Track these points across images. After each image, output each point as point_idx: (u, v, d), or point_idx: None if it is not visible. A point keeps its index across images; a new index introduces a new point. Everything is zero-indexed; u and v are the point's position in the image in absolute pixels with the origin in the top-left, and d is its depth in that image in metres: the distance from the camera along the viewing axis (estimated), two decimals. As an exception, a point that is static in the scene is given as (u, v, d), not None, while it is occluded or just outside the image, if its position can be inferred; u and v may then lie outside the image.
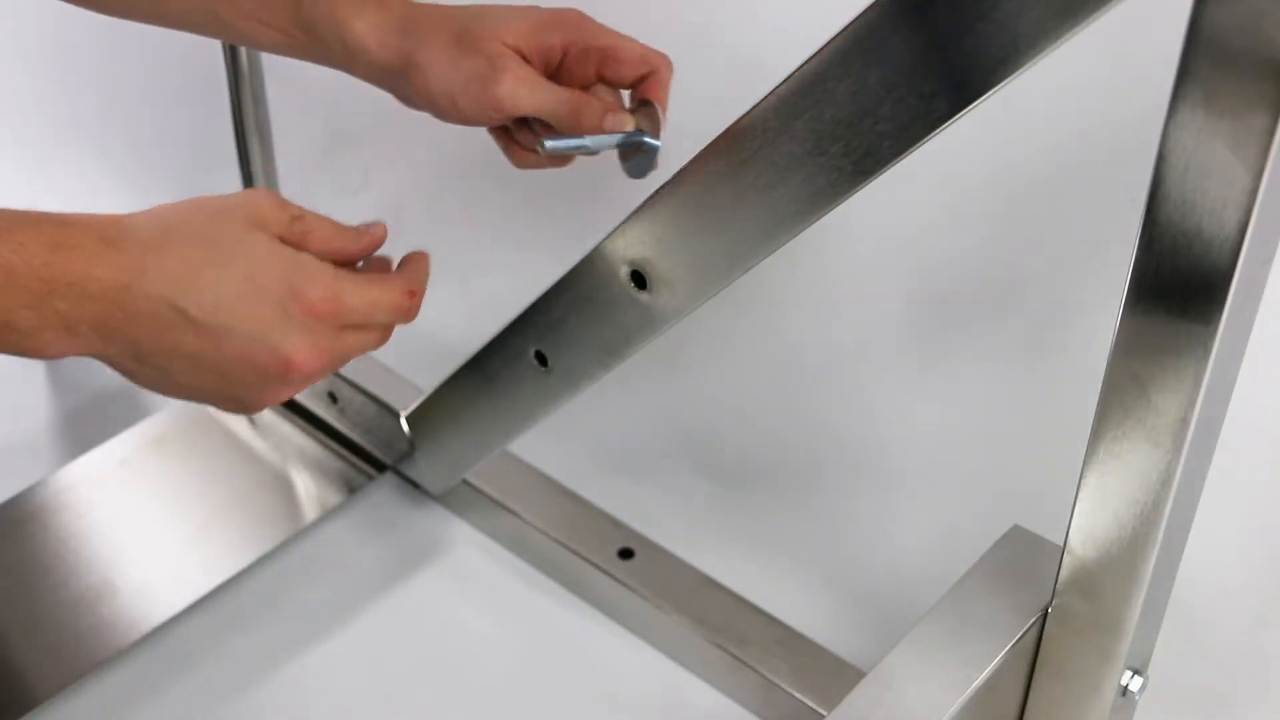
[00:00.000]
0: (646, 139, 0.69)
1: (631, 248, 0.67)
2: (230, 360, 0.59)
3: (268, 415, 1.04)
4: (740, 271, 0.64)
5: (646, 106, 0.70)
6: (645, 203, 0.65)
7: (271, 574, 0.93)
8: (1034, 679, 0.68)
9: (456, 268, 1.08)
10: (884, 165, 0.55)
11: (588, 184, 0.83)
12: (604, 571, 0.89)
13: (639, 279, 0.68)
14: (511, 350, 0.79)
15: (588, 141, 0.68)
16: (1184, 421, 0.52)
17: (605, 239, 0.68)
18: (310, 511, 0.97)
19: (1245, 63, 0.42)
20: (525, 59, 0.69)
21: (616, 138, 0.69)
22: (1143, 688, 0.64)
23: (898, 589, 0.89)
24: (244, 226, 0.60)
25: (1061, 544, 0.61)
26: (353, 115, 1.10)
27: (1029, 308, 0.80)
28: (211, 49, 0.90)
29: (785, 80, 0.56)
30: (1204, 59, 0.43)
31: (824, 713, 0.80)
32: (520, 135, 0.72)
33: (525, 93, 0.68)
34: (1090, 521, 0.59)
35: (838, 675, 0.83)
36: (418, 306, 0.66)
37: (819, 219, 0.59)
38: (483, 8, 0.71)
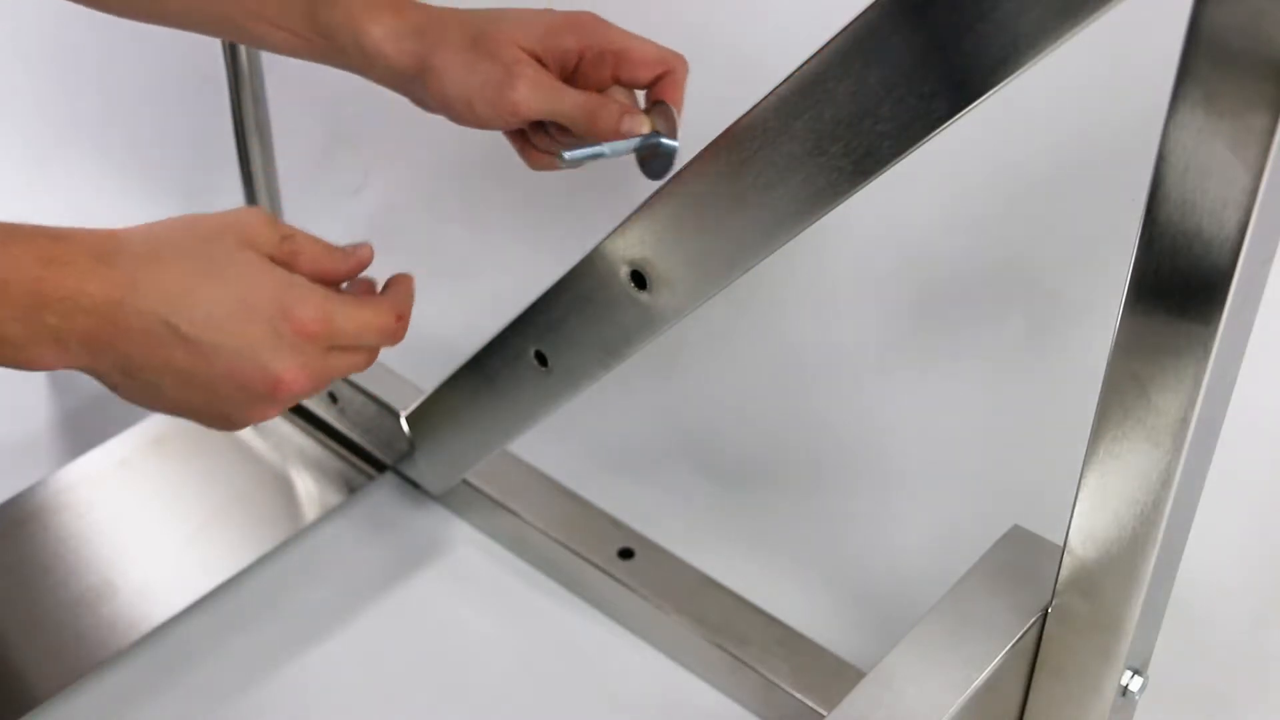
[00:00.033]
0: (663, 140, 0.69)
1: (631, 248, 0.67)
2: (219, 377, 0.60)
3: (268, 415, 1.04)
4: (740, 271, 0.64)
5: (661, 107, 0.70)
6: (645, 203, 0.65)
7: (271, 574, 0.93)
8: (1034, 679, 0.68)
9: (456, 268, 1.08)
10: (884, 165, 0.55)
11: (588, 184, 0.84)
12: (604, 571, 0.89)
13: (639, 279, 0.68)
14: (511, 350, 0.79)
15: (605, 149, 0.68)
16: (1184, 421, 0.52)
17: (605, 239, 0.68)
18: (310, 511, 0.97)
19: (1245, 63, 0.42)
20: (541, 63, 0.70)
21: (634, 142, 0.69)
22: (1143, 688, 0.64)
23: (898, 589, 0.89)
24: (236, 245, 0.61)
25: (1061, 544, 0.61)
26: (353, 115, 1.10)
27: (1029, 308, 0.80)
28: (212, 49, 0.90)
29: (785, 80, 0.56)
30: (1204, 59, 0.43)
31: (824, 713, 0.80)
32: (536, 139, 0.73)
33: (541, 97, 0.69)
34: (1090, 521, 0.59)
35: (838, 675, 0.83)
36: (405, 329, 0.67)
37: (819, 219, 0.59)
38: (497, 12, 0.71)
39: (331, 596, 0.93)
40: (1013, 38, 0.48)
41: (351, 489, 0.99)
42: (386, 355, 1.00)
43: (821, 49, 0.54)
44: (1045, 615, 0.65)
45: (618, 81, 0.70)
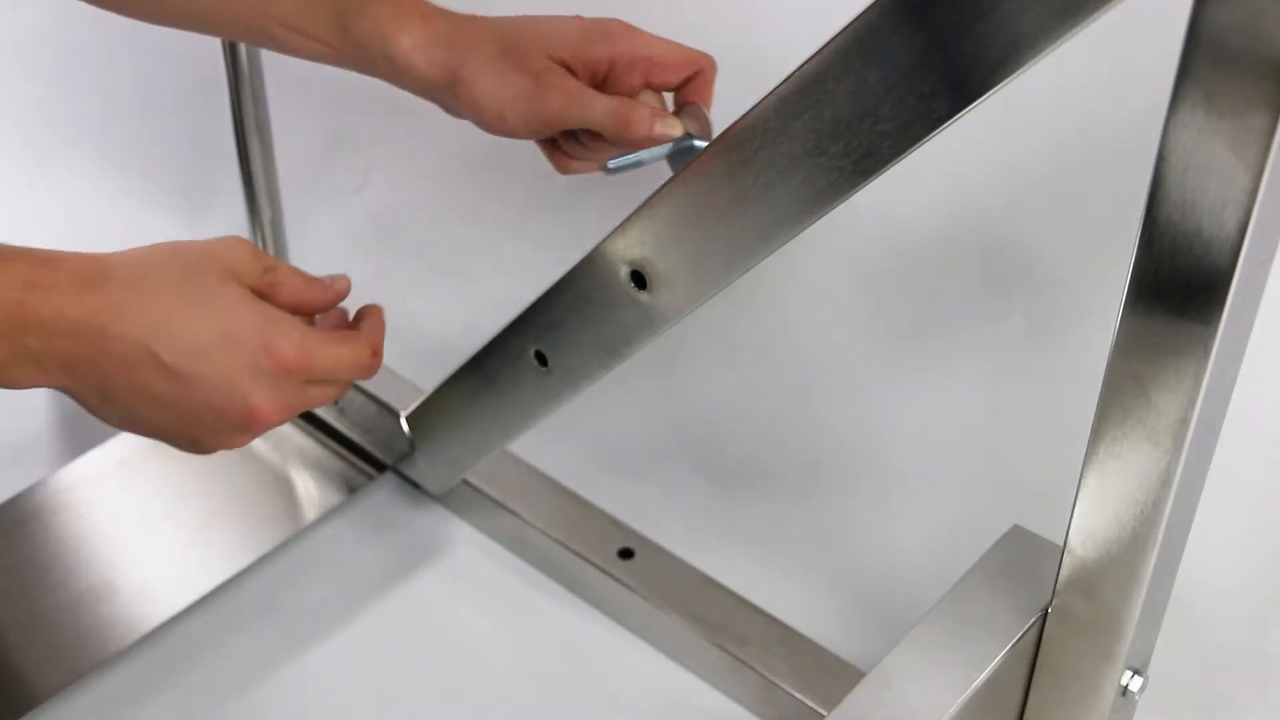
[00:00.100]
0: (696, 142, 0.69)
1: (631, 248, 0.67)
2: (196, 406, 0.61)
3: (268, 415, 1.04)
4: (740, 271, 0.64)
5: (692, 107, 0.71)
6: (645, 203, 0.66)
7: (271, 574, 0.93)
8: (1034, 679, 0.68)
9: (456, 268, 1.08)
10: (884, 165, 0.55)
11: (588, 184, 0.83)
12: (604, 571, 0.89)
13: (639, 279, 0.68)
14: (511, 350, 0.79)
15: (644, 155, 0.69)
16: (1184, 421, 0.52)
17: (605, 239, 0.68)
18: (310, 511, 0.97)
19: (1245, 63, 0.42)
20: (571, 71, 0.70)
21: (667, 147, 0.69)
22: (1143, 688, 0.64)
23: (898, 589, 0.89)
24: (221, 277, 0.62)
25: (1061, 544, 0.61)
26: (353, 115, 1.10)
27: (1029, 308, 0.80)
28: (212, 49, 0.90)
29: (785, 80, 0.56)
30: (1204, 59, 0.43)
31: (824, 713, 0.80)
32: (566, 146, 0.73)
33: (572, 106, 0.69)
34: (1090, 521, 0.59)
35: (838, 675, 0.83)
36: (379, 364, 0.69)
37: (819, 219, 0.59)
38: (526, 20, 0.71)
39: (331, 596, 0.93)
40: (1013, 38, 0.48)
41: (351, 489, 0.99)
42: (387, 355, 1.00)
43: (821, 49, 0.54)
44: (1045, 615, 0.65)
45: (648, 86, 0.71)
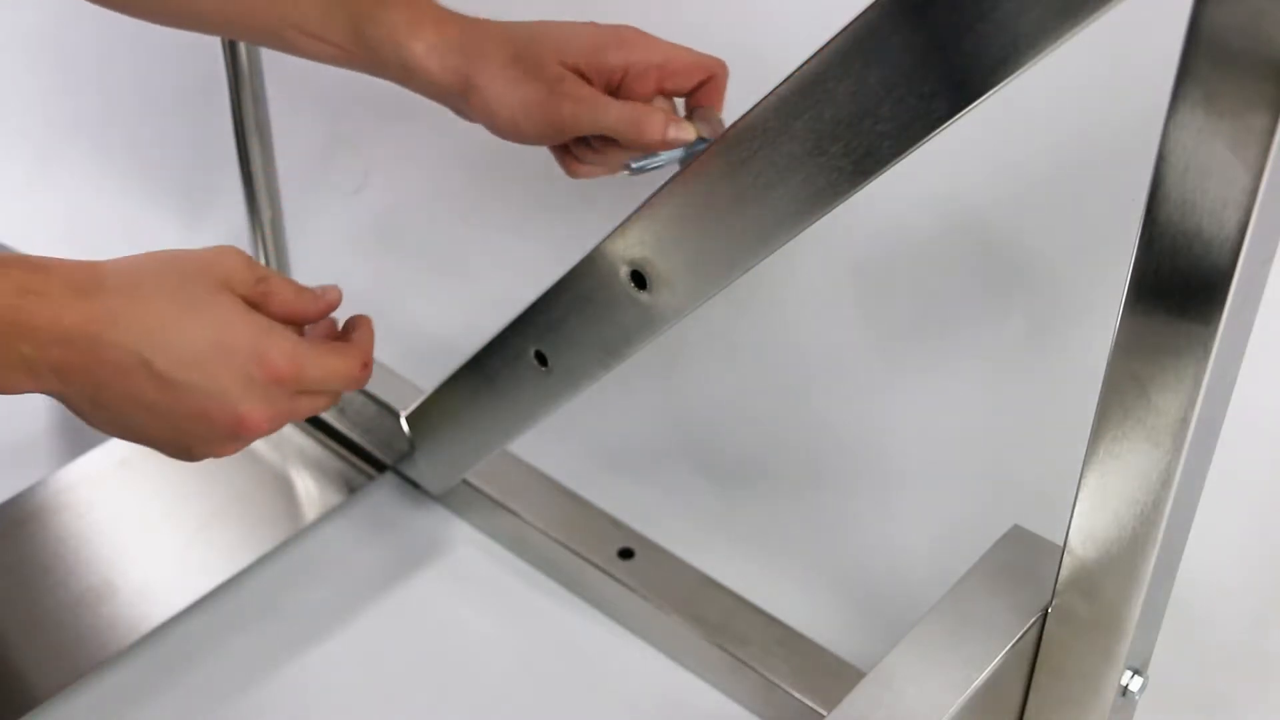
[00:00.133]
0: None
1: (631, 248, 0.67)
2: (187, 414, 0.62)
3: (268, 415, 1.04)
4: (740, 271, 0.64)
5: (704, 110, 0.71)
6: (645, 203, 0.66)
7: (271, 574, 0.93)
8: (1034, 679, 0.68)
9: (456, 268, 1.08)
10: (884, 165, 0.55)
11: (588, 184, 0.83)
12: (604, 571, 0.89)
13: (639, 279, 0.68)
14: (511, 350, 0.79)
15: (663, 158, 0.69)
16: (1184, 421, 0.52)
17: (605, 239, 0.68)
18: (310, 511, 0.97)
19: (1245, 63, 0.42)
20: (585, 78, 0.70)
21: (680, 151, 0.69)
22: (1143, 688, 0.64)
23: (898, 589, 0.89)
24: (214, 287, 0.62)
25: (1061, 544, 0.61)
26: (353, 115, 1.10)
27: (1029, 308, 0.80)
28: (212, 49, 0.90)
29: (785, 80, 0.56)
30: (1204, 59, 0.43)
31: (824, 713, 0.80)
32: (578, 151, 0.73)
33: (586, 113, 0.69)
34: (1090, 521, 0.59)
35: (838, 675, 0.83)
36: (369, 375, 0.69)
37: (819, 219, 0.59)
38: (540, 26, 0.72)
39: (331, 596, 0.93)
40: (1013, 38, 0.48)
41: (351, 489, 0.99)
42: (386, 355, 1.00)
43: (821, 49, 0.54)
44: (1045, 615, 0.65)
45: (661, 92, 0.71)
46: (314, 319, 0.69)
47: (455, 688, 0.87)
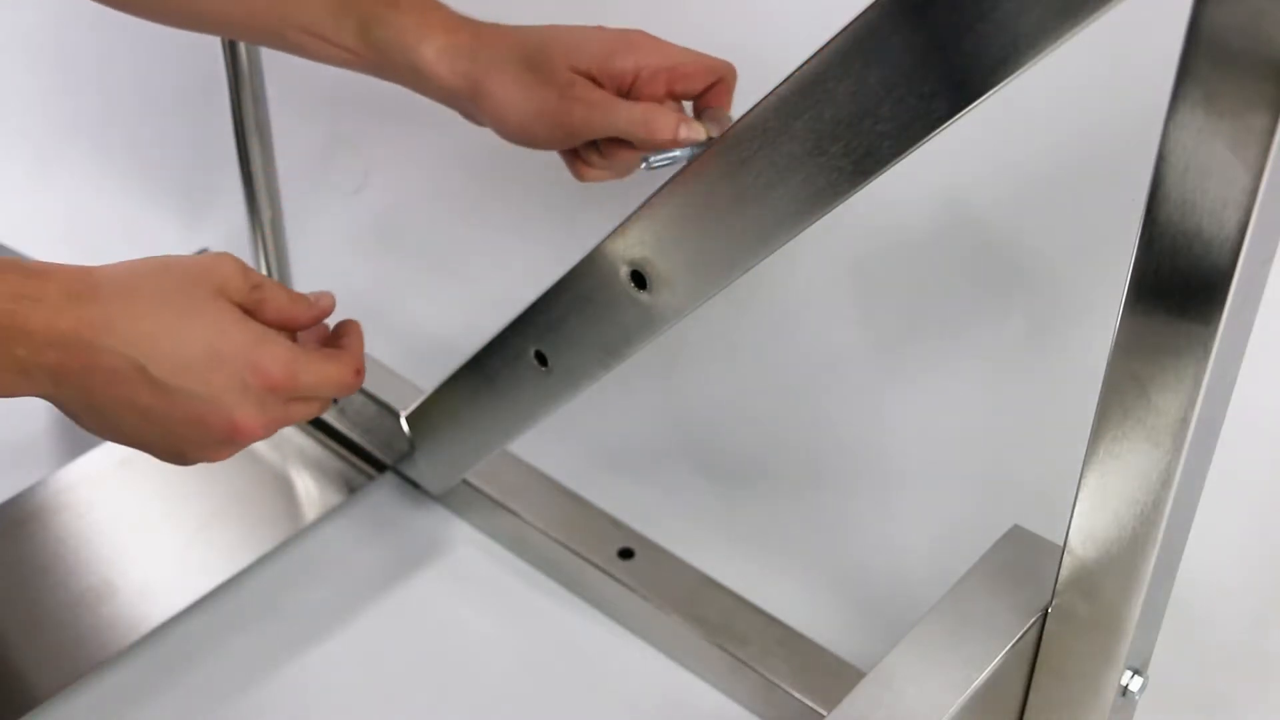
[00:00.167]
0: None
1: (631, 248, 0.67)
2: (181, 420, 0.62)
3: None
4: (740, 271, 0.64)
5: (713, 111, 0.71)
6: (645, 203, 0.66)
7: (271, 574, 0.93)
8: (1034, 679, 0.68)
9: (456, 268, 1.08)
10: (884, 165, 0.55)
11: (588, 184, 0.83)
12: (604, 571, 0.89)
13: (639, 279, 0.68)
14: (511, 350, 0.79)
15: (679, 154, 0.69)
16: (1184, 421, 0.52)
17: (605, 239, 0.68)
18: (310, 511, 0.97)
19: (1245, 63, 0.42)
20: (596, 82, 0.71)
21: (690, 150, 0.69)
22: (1143, 688, 0.64)
23: (898, 589, 0.89)
24: (210, 293, 0.63)
25: (1061, 544, 0.61)
26: (353, 115, 1.10)
27: (1029, 308, 0.80)
28: (212, 49, 0.90)
29: (785, 80, 0.56)
30: (1204, 59, 0.43)
31: (824, 713, 0.80)
32: (587, 154, 0.74)
33: (598, 116, 0.70)
34: (1090, 521, 0.59)
35: (838, 675, 0.83)
36: (361, 381, 0.69)
37: (819, 219, 0.59)
38: (550, 31, 0.72)
39: (331, 596, 0.93)
40: (1013, 38, 0.48)
41: (351, 489, 0.99)
42: (386, 355, 1.00)
43: (821, 49, 0.54)
44: (1045, 615, 0.65)
45: (671, 95, 0.72)
46: (307, 325, 0.69)
47: (455, 688, 0.87)
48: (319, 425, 1.03)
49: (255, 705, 0.85)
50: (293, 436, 1.03)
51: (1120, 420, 0.54)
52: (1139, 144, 0.50)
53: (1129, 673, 0.64)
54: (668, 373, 0.97)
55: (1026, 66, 0.48)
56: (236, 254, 0.66)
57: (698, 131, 0.69)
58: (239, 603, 0.91)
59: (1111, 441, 0.55)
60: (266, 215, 0.98)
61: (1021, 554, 0.69)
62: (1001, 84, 0.50)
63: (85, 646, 0.86)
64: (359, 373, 0.69)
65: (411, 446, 0.95)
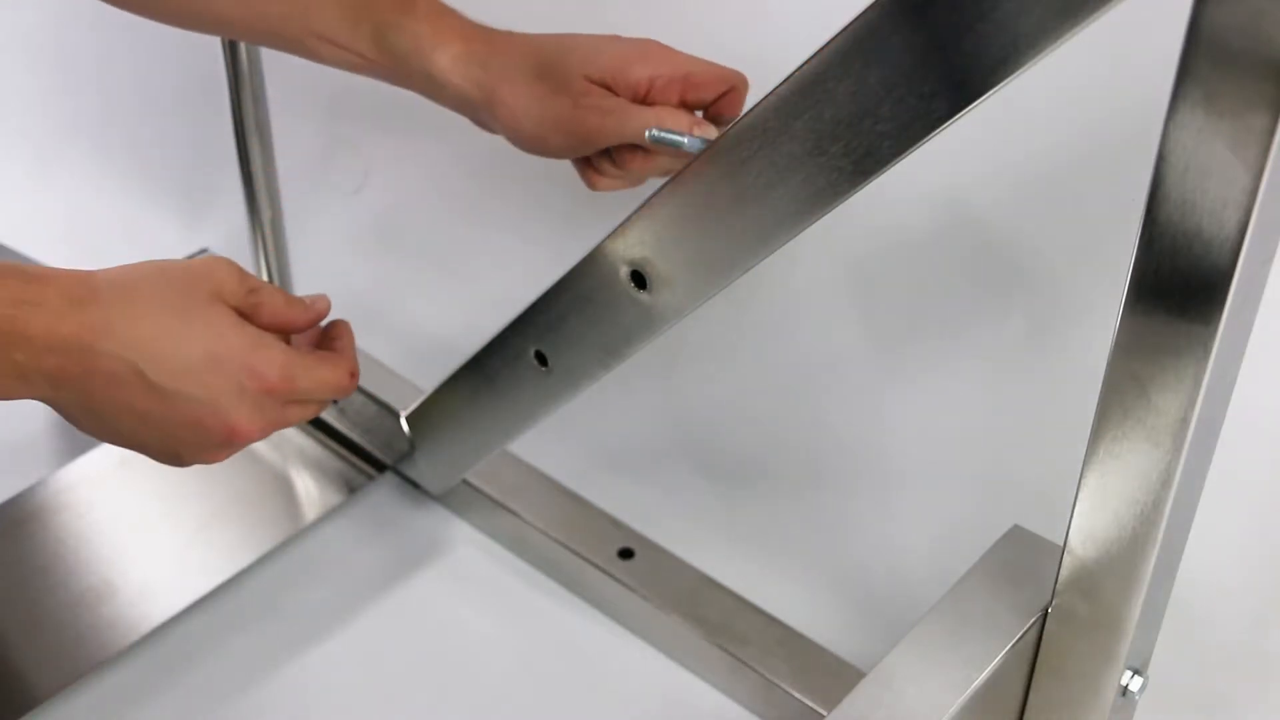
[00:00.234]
0: None
1: (631, 248, 0.67)
2: (180, 423, 0.63)
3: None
4: (740, 271, 0.64)
5: (725, 118, 0.72)
6: (645, 203, 0.66)
7: (271, 574, 0.93)
8: (1034, 679, 0.68)
9: (456, 268, 1.08)
10: (884, 165, 0.55)
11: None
12: (604, 571, 0.89)
13: (639, 279, 0.68)
14: (511, 350, 0.79)
15: (685, 140, 0.69)
16: (1184, 421, 0.52)
17: (605, 239, 0.68)
18: (310, 511, 0.97)
19: (1245, 63, 0.42)
20: (610, 90, 0.71)
21: (701, 143, 0.70)
22: (1143, 688, 0.64)
23: (898, 589, 0.89)
24: (207, 298, 0.63)
25: (1061, 544, 0.61)
26: (353, 115, 1.10)
27: (1029, 308, 0.80)
28: (212, 49, 0.90)
29: (785, 80, 0.56)
30: (1204, 59, 0.43)
31: (824, 713, 0.80)
32: (599, 163, 0.74)
33: (612, 125, 0.71)
34: (1090, 521, 0.59)
35: (838, 675, 0.83)
36: (356, 384, 0.71)
37: (819, 219, 0.59)
38: (564, 40, 0.72)
39: (331, 596, 0.93)
40: (1013, 38, 0.48)
41: (351, 489, 0.99)
42: (386, 355, 1.00)
43: (821, 49, 0.54)
44: (1045, 615, 0.65)
45: (684, 104, 0.72)
46: (303, 329, 0.70)
47: (455, 688, 0.87)
48: (319, 425, 1.03)
49: (255, 705, 0.85)
50: (293, 437, 1.03)
51: (1120, 420, 0.54)
52: (1139, 144, 0.50)
53: (1129, 673, 0.64)
54: (668, 373, 0.97)
55: (1026, 66, 0.48)
56: (236, 254, 0.66)
57: (710, 131, 0.70)
58: (239, 603, 0.91)
59: (1111, 441, 0.55)
60: (266, 215, 0.98)
61: (1021, 554, 0.69)
62: (1001, 84, 0.50)
63: (85, 646, 0.86)
64: (354, 375, 0.70)
65: (411, 446, 0.95)
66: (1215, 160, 0.45)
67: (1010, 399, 0.83)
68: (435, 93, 0.74)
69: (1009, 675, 0.66)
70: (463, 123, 0.77)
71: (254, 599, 0.92)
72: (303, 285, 1.00)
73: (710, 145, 0.62)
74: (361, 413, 0.99)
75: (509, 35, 0.73)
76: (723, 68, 0.73)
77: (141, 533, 0.95)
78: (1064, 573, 0.62)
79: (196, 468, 0.66)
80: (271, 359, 0.64)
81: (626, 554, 0.90)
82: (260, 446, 1.01)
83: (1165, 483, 0.55)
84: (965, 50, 0.49)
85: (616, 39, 0.72)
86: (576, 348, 0.75)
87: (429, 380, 0.90)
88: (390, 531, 0.97)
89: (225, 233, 1.16)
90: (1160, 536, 0.57)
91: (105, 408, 0.61)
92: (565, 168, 0.77)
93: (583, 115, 0.70)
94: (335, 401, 0.96)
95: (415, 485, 0.99)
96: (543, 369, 0.78)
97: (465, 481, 0.95)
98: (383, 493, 1.00)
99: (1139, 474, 0.55)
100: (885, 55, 0.52)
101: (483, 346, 0.81)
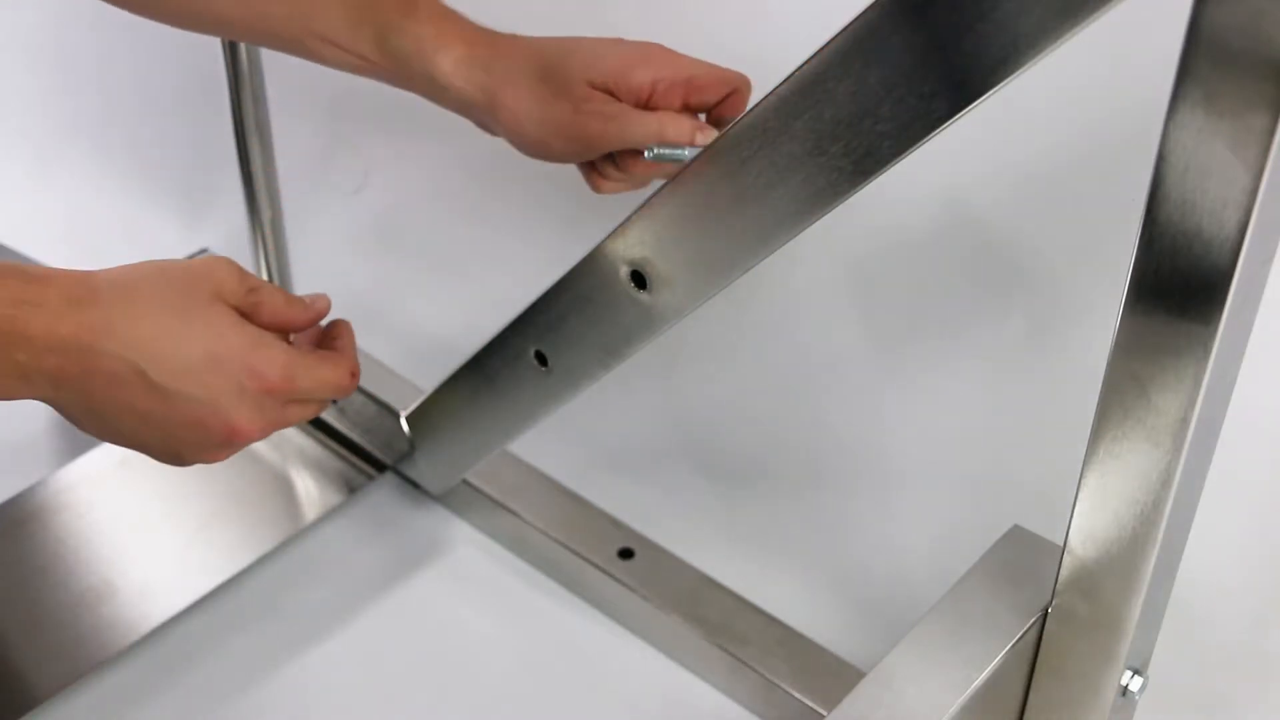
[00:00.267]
0: None
1: (631, 248, 0.67)
2: (181, 423, 0.63)
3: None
4: (740, 271, 0.64)
5: (727, 121, 0.72)
6: (645, 203, 0.66)
7: (271, 574, 0.93)
8: (1034, 679, 0.68)
9: (457, 267, 1.08)
10: (884, 165, 0.55)
11: (587, 184, 0.84)
12: (604, 571, 0.89)
13: (639, 279, 0.68)
14: (511, 350, 0.79)
15: (685, 153, 0.70)
16: (1184, 421, 0.52)
17: (605, 239, 0.68)
18: (310, 511, 0.97)
19: (1245, 63, 0.42)
20: (612, 95, 0.71)
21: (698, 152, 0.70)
22: (1143, 688, 0.64)
23: (898, 589, 0.89)
24: (208, 298, 0.63)
25: (1061, 544, 0.61)
26: (353, 115, 1.10)
27: (1029, 308, 0.80)
28: (212, 49, 0.90)
29: (785, 80, 0.56)
30: (1204, 59, 0.43)
31: (824, 713, 0.80)
32: (603, 167, 0.75)
33: (614, 130, 0.71)
34: (1090, 521, 0.59)
35: (838, 675, 0.83)
36: (356, 383, 0.70)
37: (819, 219, 0.59)
38: (568, 44, 0.72)
39: (331, 596, 0.93)
40: (1013, 38, 0.48)
41: (351, 489, 0.99)
42: (386, 355, 1.00)
43: (821, 49, 0.54)
44: (1045, 615, 0.65)
45: (687, 107, 0.72)
46: (304, 328, 0.70)
47: (455, 688, 0.87)
48: (319, 425, 1.03)
49: (255, 705, 0.85)
50: (293, 436, 1.03)
51: (1120, 420, 0.54)
52: (1139, 144, 0.50)
53: (1129, 673, 0.64)
54: (668, 373, 0.97)
55: (1026, 66, 0.48)
56: (236, 254, 0.66)
57: (712, 135, 0.70)
58: (239, 603, 0.91)
59: (1111, 441, 0.55)
60: (266, 215, 0.98)
61: (1021, 554, 0.69)
62: (1001, 84, 0.50)
63: (85, 646, 0.86)
64: (354, 374, 0.70)
65: (411, 446, 0.95)
66: (1215, 160, 0.45)
67: (1010, 399, 0.83)
68: (437, 95, 0.74)
69: (1009, 675, 0.66)
70: (463, 123, 0.77)
71: (254, 599, 0.92)
72: (303, 285, 1.00)
73: (710, 145, 0.62)
74: (361, 413, 0.99)
75: (512, 38, 0.73)
76: (725, 70, 0.73)
77: (141, 533, 0.95)
78: (1064, 573, 0.62)
79: (196, 468, 0.66)
80: (272, 358, 0.64)
81: (626, 554, 0.90)
82: (260, 446, 1.01)
83: (1165, 483, 0.55)
84: (965, 50, 0.49)
85: (619, 42, 0.72)
86: (576, 348, 0.75)
87: (429, 380, 0.90)
88: (390, 531, 0.97)
89: (225, 233, 1.16)
90: (1160, 536, 0.57)
91: (106, 408, 0.61)
92: (565, 168, 0.77)
93: (584, 121, 0.71)
94: (335, 401, 0.96)
95: (415, 485, 0.99)
96: (543, 369, 0.78)
97: (465, 481, 0.95)
98: (383, 493, 1.00)
99: (1139, 474, 0.55)
100: (885, 55, 0.52)
101: (483, 346, 0.81)
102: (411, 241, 1.11)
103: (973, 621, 0.66)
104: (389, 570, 0.94)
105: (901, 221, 0.82)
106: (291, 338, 0.69)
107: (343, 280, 0.92)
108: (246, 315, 0.65)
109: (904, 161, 0.54)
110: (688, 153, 0.70)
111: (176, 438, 0.63)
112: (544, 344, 0.77)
